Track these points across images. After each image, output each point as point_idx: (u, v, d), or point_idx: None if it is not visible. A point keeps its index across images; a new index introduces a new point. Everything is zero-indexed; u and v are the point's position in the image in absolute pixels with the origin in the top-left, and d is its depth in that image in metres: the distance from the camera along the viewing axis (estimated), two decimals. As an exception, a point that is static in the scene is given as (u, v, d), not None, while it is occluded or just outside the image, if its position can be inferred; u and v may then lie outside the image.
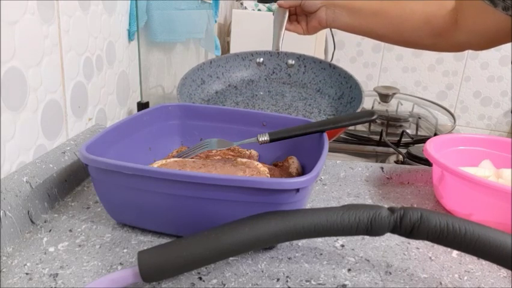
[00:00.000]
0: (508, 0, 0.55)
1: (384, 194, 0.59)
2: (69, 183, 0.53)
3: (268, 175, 0.48)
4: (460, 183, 0.50)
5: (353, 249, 0.45)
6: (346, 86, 0.76)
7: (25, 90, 0.48)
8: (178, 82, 0.73)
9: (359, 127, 1.03)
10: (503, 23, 0.58)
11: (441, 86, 1.72)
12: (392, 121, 1.06)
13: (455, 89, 1.71)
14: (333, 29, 1.61)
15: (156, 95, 0.94)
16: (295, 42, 1.23)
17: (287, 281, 0.39)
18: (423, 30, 0.68)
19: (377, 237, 0.47)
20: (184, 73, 0.74)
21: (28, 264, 0.39)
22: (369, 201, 0.56)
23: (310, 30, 0.79)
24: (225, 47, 1.44)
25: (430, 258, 0.44)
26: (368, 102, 1.21)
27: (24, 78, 0.48)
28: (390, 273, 0.41)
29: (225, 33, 1.47)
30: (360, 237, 0.47)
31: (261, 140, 0.52)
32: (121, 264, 0.40)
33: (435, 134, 0.99)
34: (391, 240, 0.47)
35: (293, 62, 0.82)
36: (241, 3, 1.35)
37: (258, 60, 0.82)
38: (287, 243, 0.45)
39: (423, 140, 0.91)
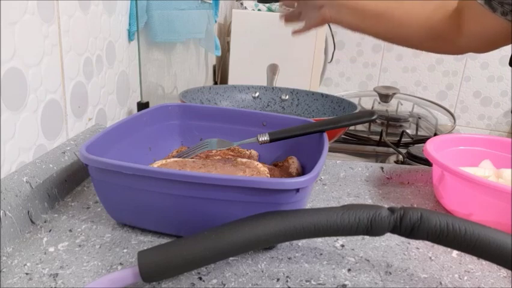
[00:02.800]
0: (506, 5, 0.56)
1: (384, 194, 0.59)
2: (69, 183, 0.53)
3: (268, 175, 0.48)
4: (460, 183, 0.50)
5: (353, 249, 0.45)
6: (339, 109, 0.80)
7: (25, 90, 0.48)
8: (180, 92, 0.76)
9: (359, 127, 1.03)
10: (502, 27, 0.58)
11: (441, 86, 1.72)
12: (392, 121, 1.06)
13: (455, 89, 1.71)
14: (333, 29, 1.61)
15: (156, 95, 0.94)
16: (296, 46, 1.23)
17: (287, 281, 0.39)
18: (426, 33, 0.68)
19: (377, 237, 0.47)
20: (187, 82, 0.76)
21: (28, 264, 0.39)
22: (369, 201, 0.56)
23: (310, 26, 0.79)
24: (225, 47, 1.44)
25: (430, 258, 0.44)
26: (368, 102, 1.21)
27: (24, 78, 0.48)
28: (390, 273, 0.41)
29: (225, 33, 1.47)
30: (360, 237, 0.47)
31: (261, 140, 0.52)
32: (121, 264, 0.40)
33: (435, 134, 0.99)
34: (391, 240, 0.47)
35: (287, 96, 0.88)
36: (241, 3, 1.35)
37: (254, 94, 0.88)
38: (287, 243, 0.45)
39: (423, 140, 0.91)
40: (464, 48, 0.68)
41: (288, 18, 0.79)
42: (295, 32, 0.78)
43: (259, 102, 0.88)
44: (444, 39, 0.67)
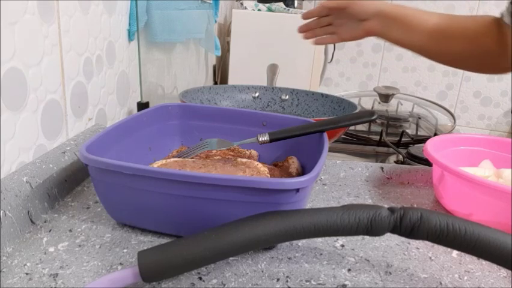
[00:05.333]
0: None
1: (384, 194, 0.59)
2: (69, 183, 0.53)
3: (268, 175, 0.48)
4: (460, 183, 0.50)
5: (353, 249, 0.45)
6: (339, 109, 0.80)
7: (25, 90, 0.48)
8: (180, 92, 0.76)
9: (359, 127, 1.03)
10: None
11: (441, 86, 1.72)
12: (392, 121, 1.06)
13: (455, 89, 1.71)
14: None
15: (156, 95, 0.94)
16: (296, 46, 1.23)
17: (287, 281, 0.39)
18: (474, 50, 0.65)
19: (377, 237, 0.47)
20: (187, 82, 0.76)
21: (28, 264, 0.39)
22: (369, 201, 0.56)
23: (348, 38, 0.73)
24: (225, 47, 1.44)
25: (430, 258, 0.44)
26: (368, 102, 1.21)
27: (24, 78, 0.48)
28: (390, 273, 0.41)
29: (225, 33, 1.47)
30: (360, 237, 0.47)
31: (261, 140, 0.52)
32: (121, 264, 0.40)
33: (435, 134, 0.99)
34: (391, 240, 0.47)
35: (287, 96, 0.88)
36: (241, 3, 1.36)
37: (253, 94, 0.88)
38: (287, 243, 0.45)
39: (423, 140, 0.91)
40: (508, 69, 0.65)
41: (312, 25, 0.73)
42: (318, 41, 0.74)
43: (259, 102, 0.88)
44: (490, 57, 0.64)
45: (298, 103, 0.87)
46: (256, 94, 0.88)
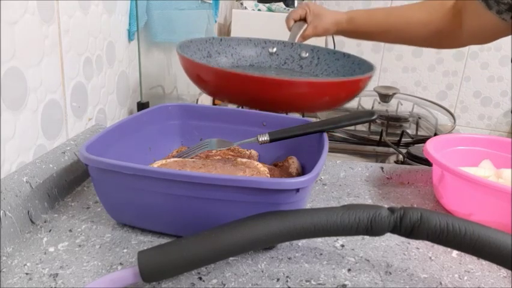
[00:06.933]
0: (502, 5, 0.57)
1: (384, 194, 0.59)
2: (69, 183, 0.53)
3: (268, 175, 0.48)
4: (460, 183, 0.50)
5: (353, 249, 0.45)
6: (359, 71, 0.76)
7: (25, 90, 0.48)
8: (180, 41, 0.71)
9: (359, 127, 1.03)
10: (498, 24, 0.61)
11: (441, 86, 1.72)
12: (392, 121, 1.06)
13: (455, 89, 1.71)
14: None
15: (156, 95, 0.94)
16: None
17: (287, 281, 0.39)
18: (429, 32, 0.76)
19: (377, 237, 0.47)
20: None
21: (28, 264, 0.39)
22: (369, 201, 0.56)
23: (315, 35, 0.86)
24: (225, 47, 1.44)
25: (430, 258, 0.44)
26: (368, 102, 1.21)
27: (24, 78, 0.48)
28: (390, 273, 0.41)
29: (225, 33, 1.47)
30: (360, 237, 0.47)
31: (261, 140, 0.52)
32: (121, 264, 0.40)
33: (435, 134, 0.99)
34: (391, 240, 0.47)
35: (307, 54, 0.81)
36: (241, 3, 1.36)
37: (270, 50, 0.81)
38: (287, 243, 0.45)
39: (423, 140, 0.91)
40: (465, 42, 0.74)
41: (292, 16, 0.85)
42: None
43: (276, 59, 0.81)
44: (446, 35, 0.72)
45: (318, 62, 0.81)
46: (274, 49, 0.82)
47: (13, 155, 0.47)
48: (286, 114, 0.66)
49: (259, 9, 1.31)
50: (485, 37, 0.69)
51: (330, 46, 1.64)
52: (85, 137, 0.60)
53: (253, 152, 0.59)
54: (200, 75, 0.65)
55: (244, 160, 0.51)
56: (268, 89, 0.59)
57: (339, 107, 0.72)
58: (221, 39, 0.78)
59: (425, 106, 1.18)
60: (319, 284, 0.39)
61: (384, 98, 1.15)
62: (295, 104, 0.64)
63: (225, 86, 0.63)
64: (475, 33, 0.68)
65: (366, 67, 0.75)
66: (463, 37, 0.71)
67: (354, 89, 0.67)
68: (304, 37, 0.85)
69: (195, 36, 1.08)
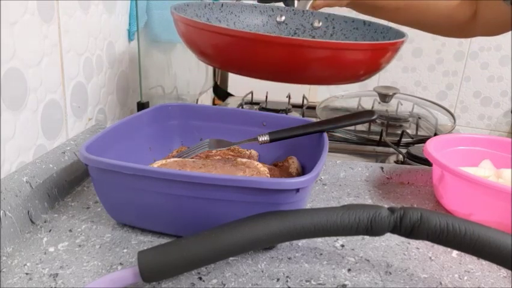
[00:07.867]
0: None
1: (384, 194, 0.59)
2: (69, 183, 0.53)
3: (268, 175, 0.48)
4: (460, 183, 0.50)
5: (353, 249, 0.45)
6: (383, 41, 0.67)
7: (25, 90, 0.48)
8: (176, 4, 0.62)
9: (359, 127, 1.03)
10: (508, 13, 0.63)
11: (441, 86, 1.72)
12: (392, 121, 1.06)
13: (455, 89, 1.71)
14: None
15: (156, 95, 0.94)
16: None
17: (287, 281, 0.39)
18: (443, 20, 0.73)
19: (377, 237, 0.47)
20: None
21: (28, 264, 0.39)
22: (369, 201, 0.56)
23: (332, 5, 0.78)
24: (225, 47, 1.43)
25: (430, 258, 0.44)
26: (368, 102, 1.21)
27: (24, 78, 0.48)
28: (390, 273, 0.41)
29: (225, 33, 1.46)
30: (360, 237, 0.47)
31: (261, 140, 0.52)
32: (121, 264, 0.40)
33: (435, 134, 0.99)
34: (391, 240, 0.47)
35: (320, 23, 0.72)
36: (241, 3, 1.35)
37: (278, 18, 0.72)
38: (287, 243, 0.45)
39: (423, 140, 0.91)
40: (477, 33, 0.74)
41: None
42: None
43: (285, 29, 0.72)
44: (459, 24, 0.74)
45: (333, 32, 0.71)
46: (282, 18, 0.72)
47: (13, 155, 0.47)
48: (286, 114, 0.65)
49: (259, 9, 1.31)
50: (498, 28, 0.70)
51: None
52: (85, 137, 0.60)
53: (253, 152, 0.59)
54: (210, 41, 0.55)
55: (244, 160, 0.51)
56: (303, 54, 0.50)
57: (368, 78, 0.62)
58: (222, 5, 0.68)
59: (425, 106, 1.18)
60: (319, 284, 0.39)
61: (384, 98, 1.15)
62: (333, 73, 0.55)
63: (250, 53, 0.52)
64: (488, 23, 0.70)
65: (392, 35, 0.65)
66: (475, 27, 0.72)
67: (391, 55, 0.59)
68: (315, 7, 0.76)
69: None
